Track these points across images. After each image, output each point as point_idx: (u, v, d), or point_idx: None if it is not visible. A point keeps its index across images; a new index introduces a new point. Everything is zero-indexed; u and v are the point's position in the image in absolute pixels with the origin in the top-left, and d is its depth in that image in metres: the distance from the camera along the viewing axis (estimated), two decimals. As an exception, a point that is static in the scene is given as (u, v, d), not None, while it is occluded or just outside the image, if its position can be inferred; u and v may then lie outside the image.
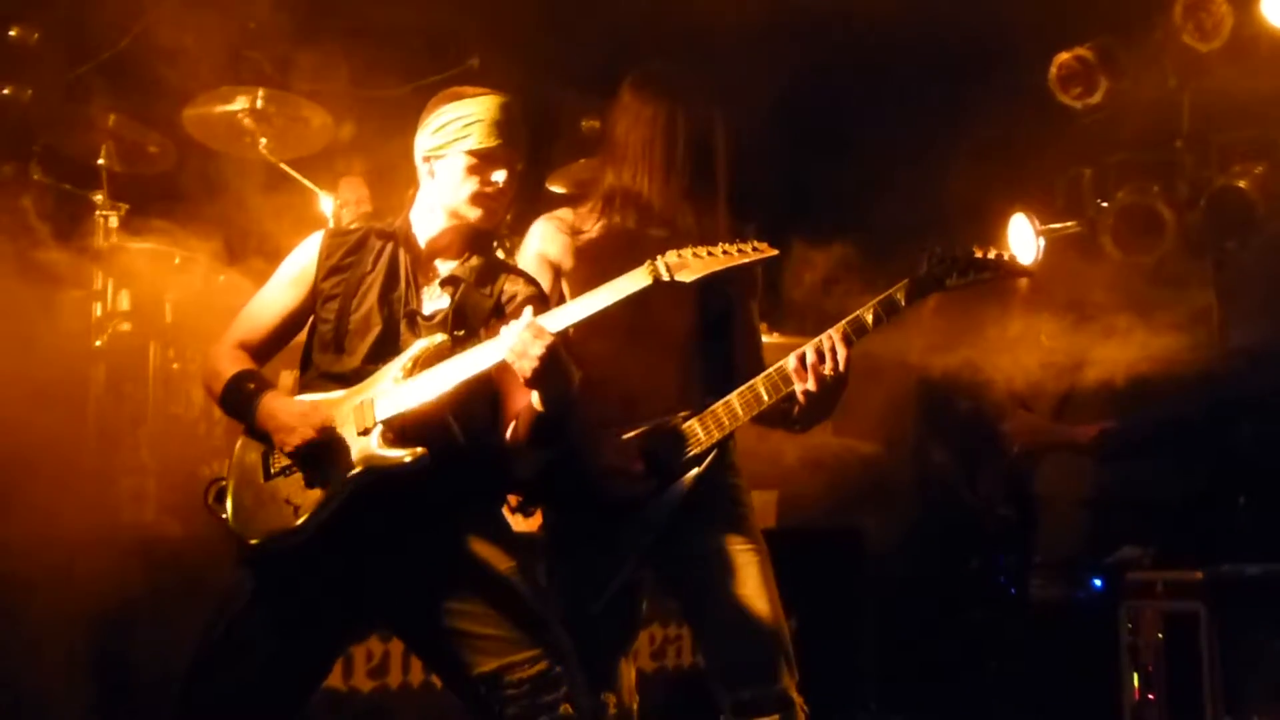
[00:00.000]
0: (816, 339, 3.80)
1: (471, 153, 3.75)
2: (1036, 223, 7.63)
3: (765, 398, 3.91)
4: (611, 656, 4.12)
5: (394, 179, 7.11)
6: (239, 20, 6.99)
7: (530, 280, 3.97)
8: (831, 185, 8.03)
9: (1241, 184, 7.17)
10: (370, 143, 7.57)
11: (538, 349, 3.45)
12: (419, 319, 3.79)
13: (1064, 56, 7.56)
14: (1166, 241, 7.36)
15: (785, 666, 3.92)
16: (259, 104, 6.78)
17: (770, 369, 3.91)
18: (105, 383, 6.33)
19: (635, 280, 3.53)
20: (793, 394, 3.86)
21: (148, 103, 6.87)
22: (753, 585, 3.95)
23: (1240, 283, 7.46)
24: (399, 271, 3.85)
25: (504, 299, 3.86)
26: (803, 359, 3.80)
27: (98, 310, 6.42)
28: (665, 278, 3.49)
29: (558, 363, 3.50)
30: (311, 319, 3.91)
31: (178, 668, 3.76)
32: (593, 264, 4.07)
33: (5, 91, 6.86)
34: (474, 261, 3.87)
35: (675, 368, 4.05)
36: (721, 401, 3.96)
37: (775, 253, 3.60)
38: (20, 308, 5.66)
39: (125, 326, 6.53)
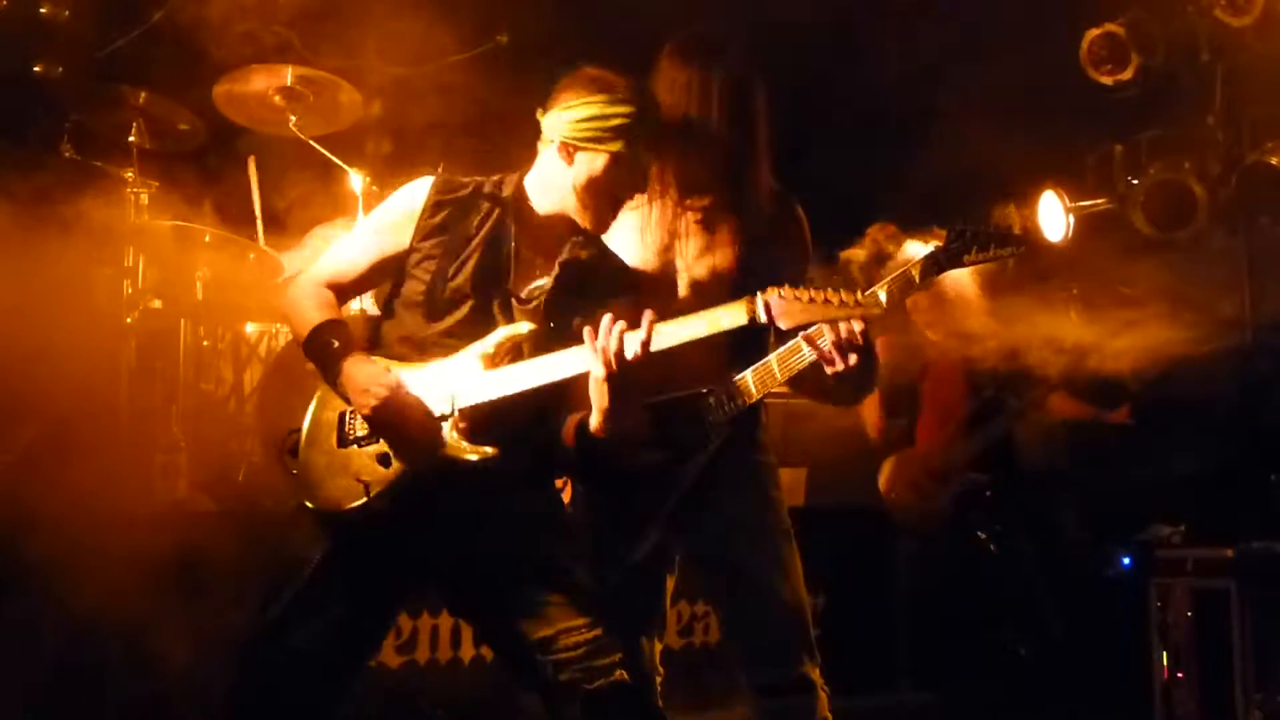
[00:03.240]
0: (829, 316, 3.74)
1: (616, 156, 3.71)
2: (1066, 200, 7.61)
3: (778, 374, 3.87)
4: (631, 632, 4.08)
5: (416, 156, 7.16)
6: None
7: (632, 280, 3.94)
8: (861, 163, 8.01)
9: (1274, 160, 7.13)
10: (399, 119, 7.58)
11: (616, 364, 3.45)
12: (514, 300, 3.75)
13: (1095, 32, 7.53)
14: (1198, 218, 7.33)
15: (805, 649, 3.91)
16: (289, 81, 6.78)
17: (784, 346, 3.87)
18: (136, 360, 6.34)
19: (731, 316, 3.49)
20: (818, 369, 3.81)
21: (178, 80, 6.88)
22: (774, 566, 3.94)
23: (1272, 258, 7.43)
24: (502, 242, 3.78)
25: (602, 297, 3.77)
26: (812, 338, 3.73)
27: (128, 288, 6.43)
28: (762, 319, 3.45)
29: (631, 382, 3.49)
30: (402, 268, 3.83)
31: (210, 640, 3.77)
32: (633, 237, 4.06)
33: (36, 68, 6.88)
34: (591, 249, 3.83)
35: (706, 341, 4.01)
36: (738, 378, 3.93)
37: (882, 310, 3.55)
38: (51, 285, 5.68)
39: (156, 304, 6.56)
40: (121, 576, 4.73)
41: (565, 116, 3.74)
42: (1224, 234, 7.54)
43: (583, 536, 4.12)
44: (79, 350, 5.64)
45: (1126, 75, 7.46)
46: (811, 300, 3.43)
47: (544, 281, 3.77)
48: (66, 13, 6.91)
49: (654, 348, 3.48)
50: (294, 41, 7.37)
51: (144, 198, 6.57)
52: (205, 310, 6.63)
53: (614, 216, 3.82)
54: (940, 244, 3.86)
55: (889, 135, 8.16)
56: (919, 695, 6.73)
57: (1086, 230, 7.68)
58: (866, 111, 8.20)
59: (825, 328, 3.69)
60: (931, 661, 6.83)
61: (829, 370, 3.73)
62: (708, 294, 3.98)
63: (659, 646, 4.20)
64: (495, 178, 3.90)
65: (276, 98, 6.84)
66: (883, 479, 7.23)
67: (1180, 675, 6.27)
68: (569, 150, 3.75)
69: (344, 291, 3.88)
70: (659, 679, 4.19)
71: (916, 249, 6.68)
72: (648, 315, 3.49)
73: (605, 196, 3.76)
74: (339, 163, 6.90)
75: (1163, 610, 6.38)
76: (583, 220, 3.77)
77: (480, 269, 3.75)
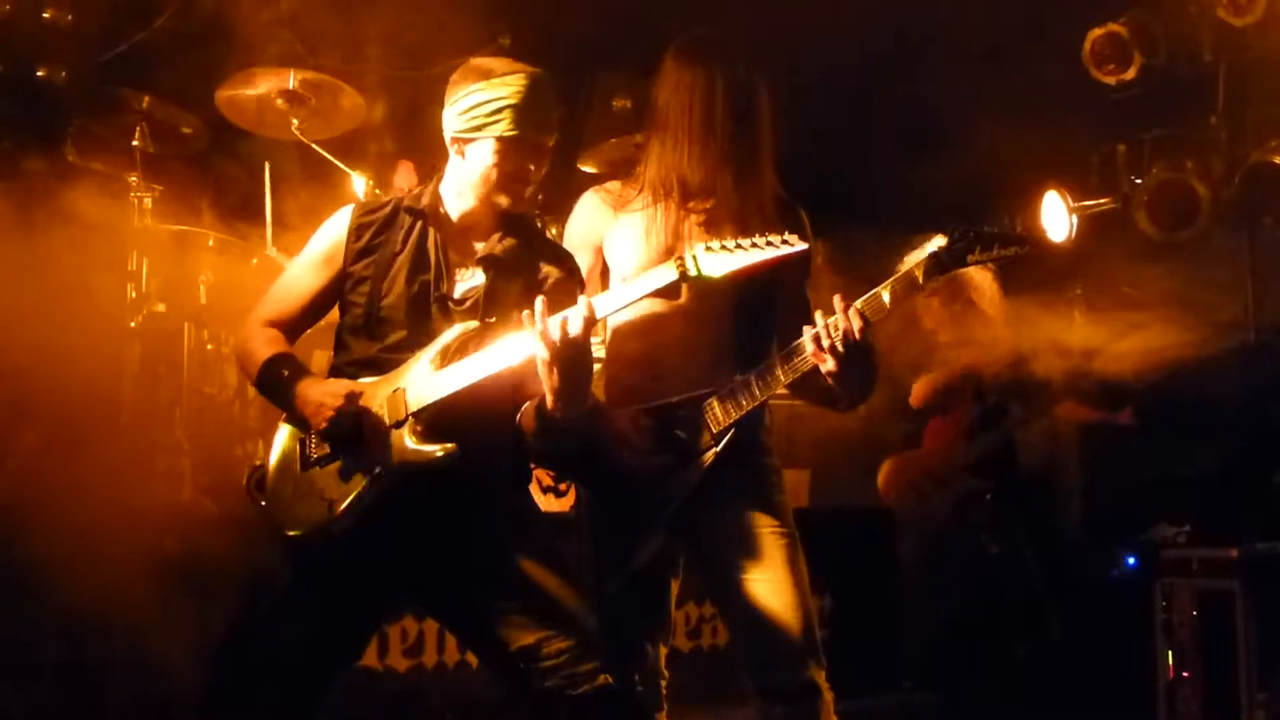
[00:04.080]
0: (833, 318, 3.73)
1: (501, 139, 3.69)
2: (1069, 200, 7.61)
3: (781, 377, 3.87)
4: (637, 636, 4.11)
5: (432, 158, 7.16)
6: (271, 1, 7.00)
7: (565, 260, 3.94)
8: (864, 163, 8.01)
9: (1277, 159, 7.13)
10: (401, 123, 7.59)
11: (559, 344, 3.43)
12: (450, 303, 3.77)
13: (1098, 32, 7.53)
14: (1201, 218, 7.33)
15: (810, 654, 3.89)
16: (291, 85, 6.78)
17: (788, 348, 3.87)
18: (140, 363, 6.35)
19: (663, 274, 3.48)
20: (818, 373, 3.81)
21: (181, 84, 6.88)
22: (779, 570, 3.92)
23: (1276, 259, 7.43)
24: (429, 251, 3.81)
25: (539, 279, 3.83)
26: (818, 339, 3.74)
27: (132, 291, 6.44)
28: (691, 272, 3.43)
29: (579, 360, 3.48)
30: (342, 297, 3.87)
31: (212, 643, 3.77)
32: (635, 239, 4.07)
33: (40, 73, 6.89)
34: (508, 241, 3.82)
35: (708, 346, 4.02)
36: (740, 380, 3.93)
37: (805, 246, 3.52)
38: (55, 289, 5.68)
39: (160, 307, 6.55)
40: (124, 579, 4.73)
41: (451, 112, 3.78)
42: (1227, 234, 7.54)
43: (586, 540, 4.14)
44: (83, 354, 5.64)
45: (1129, 75, 7.46)
46: (738, 246, 3.45)
47: (476, 280, 3.80)
48: (70, 17, 6.91)
49: (597, 317, 3.48)
50: (296, 45, 7.38)
51: (148, 201, 6.57)
52: (209, 314, 6.63)
53: (527, 191, 3.82)
54: (944, 244, 3.85)
55: (891, 137, 8.16)
56: (922, 696, 6.72)
57: (1090, 231, 7.68)
58: (868, 114, 8.20)
59: (824, 331, 3.70)
60: (935, 662, 6.83)
61: (824, 370, 3.74)
62: (710, 296, 3.98)
63: (664, 650, 4.20)
64: (415, 191, 3.95)
65: (279, 101, 6.84)
66: (881, 479, 7.24)
67: (1185, 675, 6.25)
68: (460, 146, 3.77)
69: (289, 328, 3.91)
70: (664, 683, 4.19)
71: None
72: (583, 296, 3.49)
73: (509, 182, 3.76)
74: (341, 166, 6.89)
75: (1167, 610, 6.37)
76: (501, 204, 3.79)
77: (412, 281, 3.78)
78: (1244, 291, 7.42)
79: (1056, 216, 7.62)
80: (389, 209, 3.90)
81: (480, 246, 3.82)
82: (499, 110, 3.68)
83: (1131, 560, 7.25)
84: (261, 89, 6.83)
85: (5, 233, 5.53)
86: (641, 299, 3.57)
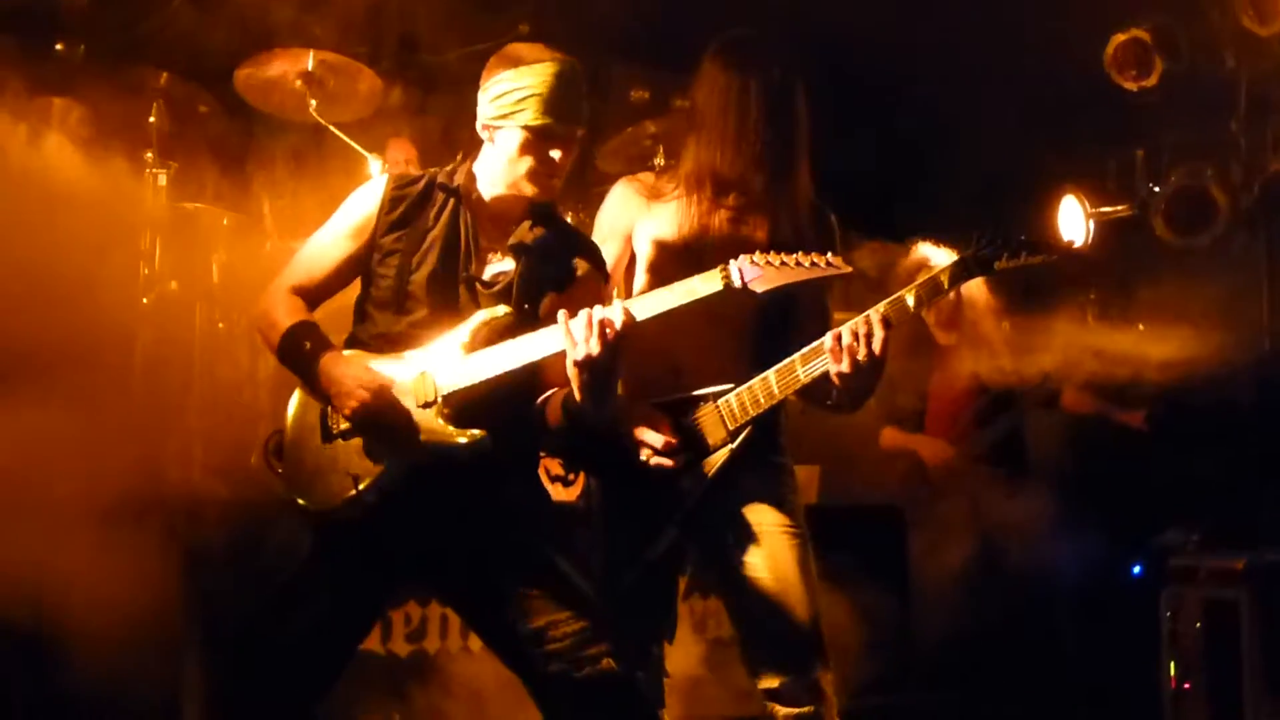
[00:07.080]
0: (855, 319, 3.74)
1: (527, 128, 3.67)
2: (1087, 205, 7.60)
3: (802, 376, 3.86)
4: (642, 631, 4.10)
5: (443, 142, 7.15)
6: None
7: (594, 253, 3.94)
8: (882, 166, 7.99)
9: (1298, 167, 7.15)
10: (419, 108, 7.58)
11: (596, 344, 3.43)
12: (479, 285, 3.76)
13: (1120, 38, 7.52)
14: (1219, 224, 7.33)
15: (817, 657, 3.91)
16: (309, 67, 6.77)
17: (807, 347, 3.86)
18: (152, 342, 6.33)
19: (706, 284, 3.52)
20: (825, 374, 3.80)
21: (198, 63, 6.88)
22: (788, 571, 3.93)
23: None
24: (459, 231, 3.80)
25: (568, 270, 3.82)
26: (839, 339, 3.74)
27: (145, 269, 6.43)
28: (736, 284, 3.48)
29: (609, 362, 3.47)
30: (367, 268, 3.86)
31: (223, 628, 3.76)
32: (665, 230, 4.09)
33: (58, 48, 6.88)
34: (538, 230, 3.80)
35: (727, 342, 4.01)
36: (759, 378, 3.92)
37: (850, 270, 3.58)
38: (67, 265, 5.67)
39: (172, 285, 6.54)
40: (134, 561, 4.73)
41: (483, 98, 3.77)
42: (1244, 239, 7.54)
43: (599, 532, 4.14)
44: (95, 332, 5.63)
45: (1150, 81, 7.46)
46: (784, 263, 3.49)
47: (505, 265, 3.79)
48: (88, -7, 6.93)
49: (634, 321, 3.49)
50: (314, 27, 7.36)
51: (162, 179, 6.57)
52: (221, 294, 6.62)
53: (556, 181, 3.79)
54: (971, 250, 3.85)
55: (910, 140, 8.14)
56: (931, 696, 6.70)
57: (1105, 236, 7.67)
58: (886, 117, 8.18)
59: (847, 331, 3.70)
60: (943, 663, 6.81)
61: (836, 370, 3.73)
62: (720, 299, 3.98)
63: (668, 646, 4.20)
64: (448, 167, 3.92)
65: (297, 83, 6.83)
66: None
67: (1186, 687, 6.23)
68: (489, 131, 3.77)
69: (312, 296, 3.89)
70: (666, 680, 4.18)
71: (930, 251, 6.71)
72: (617, 299, 3.51)
73: (536, 169, 3.73)
74: (359, 149, 6.88)
75: (1173, 620, 6.34)
76: (526, 192, 3.77)
77: (442, 259, 3.77)
78: (1260, 297, 7.41)
79: (1074, 221, 7.61)
80: (423, 184, 3.88)
81: (511, 232, 3.81)
82: (525, 99, 3.66)
83: (1137, 568, 7.24)
84: (279, 70, 6.82)
85: (18, 208, 5.51)
86: (681, 306, 3.56)
